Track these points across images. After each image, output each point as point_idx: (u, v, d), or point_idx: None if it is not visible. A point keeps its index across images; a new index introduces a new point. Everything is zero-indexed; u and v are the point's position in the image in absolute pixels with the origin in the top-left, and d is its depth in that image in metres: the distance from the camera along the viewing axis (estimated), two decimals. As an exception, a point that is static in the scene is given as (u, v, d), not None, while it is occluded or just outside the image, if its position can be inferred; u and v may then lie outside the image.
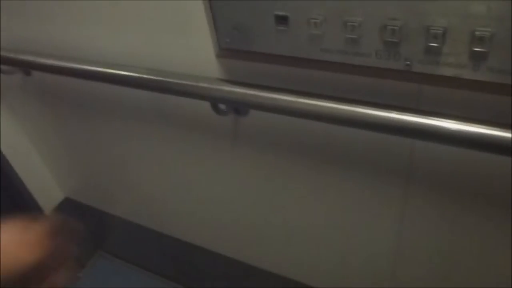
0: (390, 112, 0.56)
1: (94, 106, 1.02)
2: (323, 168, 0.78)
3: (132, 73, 0.75)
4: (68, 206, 1.46)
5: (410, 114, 0.55)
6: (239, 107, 0.74)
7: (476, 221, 0.69)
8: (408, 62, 0.53)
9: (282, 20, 0.58)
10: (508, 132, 0.50)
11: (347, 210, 0.82)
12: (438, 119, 0.54)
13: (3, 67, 0.99)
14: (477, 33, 0.47)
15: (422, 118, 0.54)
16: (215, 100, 0.71)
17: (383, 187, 0.74)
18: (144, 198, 1.22)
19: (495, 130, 0.51)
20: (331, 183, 0.79)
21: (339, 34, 0.55)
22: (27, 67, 0.99)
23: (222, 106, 0.73)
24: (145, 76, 0.74)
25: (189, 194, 1.09)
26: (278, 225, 0.97)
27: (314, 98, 0.61)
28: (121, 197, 1.30)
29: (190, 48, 0.73)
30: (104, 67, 0.78)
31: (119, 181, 1.24)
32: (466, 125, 0.52)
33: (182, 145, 0.95)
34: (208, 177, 0.99)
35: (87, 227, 1.56)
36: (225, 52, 0.68)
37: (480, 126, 0.52)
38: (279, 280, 1.08)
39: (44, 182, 1.38)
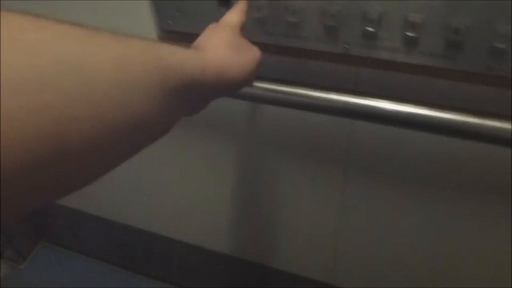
0: (329, 94, 0.58)
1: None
2: (263, 150, 0.80)
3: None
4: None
5: (348, 95, 0.57)
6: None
7: (413, 203, 0.74)
8: (347, 46, 0.55)
9: (224, 2, 0.58)
10: (439, 112, 0.54)
11: (288, 192, 0.84)
12: (374, 99, 0.56)
13: None
14: (409, 18, 0.50)
15: (360, 98, 0.57)
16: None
17: (323, 169, 0.77)
18: (89, 186, 1.19)
19: (427, 110, 0.55)
20: (272, 165, 0.81)
21: (281, 17, 0.56)
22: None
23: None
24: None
25: (135, 177, 1.07)
26: (227, 209, 0.98)
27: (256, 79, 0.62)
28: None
29: (130, 29, 0.71)
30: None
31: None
32: (401, 105, 0.55)
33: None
34: (155, 160, 0.98)
35: (27, 218, 1.50)
36: (167, 34, 0.67)
37: (414, 106, 0.55)
38: (229, 260, 1.10)
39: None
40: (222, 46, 0.40)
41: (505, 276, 0.74)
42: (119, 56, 0.26)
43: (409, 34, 0.51)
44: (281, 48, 0.59)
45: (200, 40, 0.42)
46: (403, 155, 0.69)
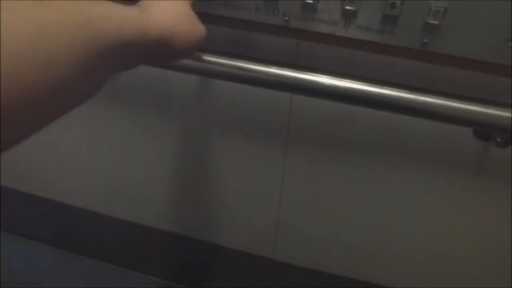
0: (269, 67, 0.57)
1: None
2: (204, 124, 0.78)
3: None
4: None
5: (288, 69, 0.57)
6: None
7: (353, 176, 0.75)
8: (286, 18, 0.54)
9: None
10: (375, 87, 0.55)
11: (229, 167, 0.83)
12: (314, 74, 0.56)
13: None
14: (348, -9, 0.50)
15: (300, 73, 0.57)
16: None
17: (264, 143, 0.76)
18: (24, 163, 1.12)
19: (364, 85, 0.55)
20: (213, 139, 0.80)
21: (219, -14, 0.54)
22: None
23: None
24: None
25: (73, 153, 1.02)
26: (168, 185, 0.96)
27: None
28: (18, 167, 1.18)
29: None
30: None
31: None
32: (339, 81, 0.56)
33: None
34: (93, 135, 0.93)
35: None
36: None
37: (352, 81, 0.56)
38: (170, 236, 1.08)
39: None
40: (169, 11, 0.38)
41: (441, 245, 0.79)
42: (38, 24, 0.25)
43: (348, 7, 0.51)
44: (218, 17, 0.57)
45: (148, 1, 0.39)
46: (343, 128, 0.70)
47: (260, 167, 0.81)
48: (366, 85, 0.55)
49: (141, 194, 1.00)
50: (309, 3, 0.51)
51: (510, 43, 0.48)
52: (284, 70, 0.57)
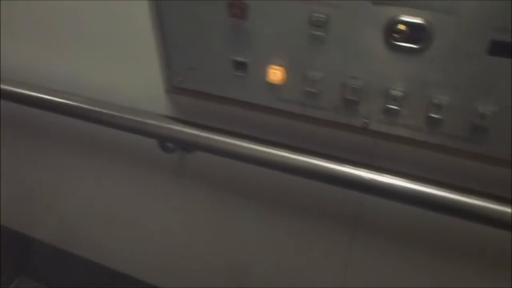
0: (343, 166, 0.56)
1: (30, 125, 0.94)
2: (271, 210, 0.77)
3: (73, 103, 0.69)
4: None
5: (364, 170, 0.55)
6: (187, 147, 0.71)
7: (416, 272, 0.71)
8: (366, 120, 0.53)
9: (240, 66, 0.56)
10: (454, 194, 0.52)
11: (295, 251, 0.81)
12: (391, 176, 0.54)
13: None
14: (434, 100, 0.48)
15: (376, 174, 0.55)
16: (162, 139, 0.67)
17: (330, 232, 0.74)
18: (70, 224, 1.14)
19: (443, 191, 0.53)
20: (280, 224, 0.78)
21: (299, 86, 0.54)
22: None
23: (170, 145, 0.69)
24: (88, 107, 0.68)
25: (122, 224, 1.03)
26: (221, 264, 0.94)
27: (265, 145, 0.60)
28: (46, 221, 1.21)
29: (138, 79, 0.69)
30: (40, 93, 0.72)
31: (46, 206, 1.15)
32: (416, 185, 0.53)
33: (119, 176, 0.90)
34: (146, 210, 0.94)
35: (8, 251, 1.44)
36: (176, 89, 0.64)
37: (429, 186, 0.53)
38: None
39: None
40: None
41: None
42: None
43: (433, 115, 0.49)
44: (295, 115, 0.57)
45: None
46: (410, 227, 0.67)
47: (326, 253, 0.78)
48: (451, 193, 0.52)
49: (185, 269, 0.99)
50: (392, 108, 0.50)
51: None
52: (359, 170, 0.55)
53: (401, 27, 0.45)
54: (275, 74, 0.54)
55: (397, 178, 0.54)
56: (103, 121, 0.67)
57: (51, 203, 1.13)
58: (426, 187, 0.53)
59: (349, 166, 0.56)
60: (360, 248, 0.73)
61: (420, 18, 0.45)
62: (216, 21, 0.54)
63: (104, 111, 0.67)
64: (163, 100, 0.69)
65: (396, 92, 0.49)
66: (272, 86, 0.55)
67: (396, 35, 0.46)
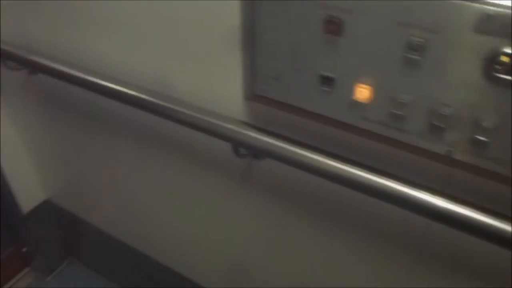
0: (417, 191, 0.55)
1: (99, 119, 0.98)
2: (331, 224, 0.77)
3: (153, 99, 0.73)
4: (46, 209, 1.40)
5: (439, 197, 0.54)
6: (261, 155, 0.72)
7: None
8: (451, 149, 0.52)
9: (327, 81, 0.57)
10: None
11: (354, 271, 0.80)
12: (471, 209, 0.53)
13: (10, 63, 0.95)
14: (529, 135, 0.47)
15: (454, 205, 0.54)
16: (238, 144, 0.69)
17: (390, 254, 0.73)
18: (127, 213, 1.18)
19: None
20: (338, 240, 0.78)
21: (385, 107, 0.54)
22: (32, 68, 0.95)
23: (242, 150, 0.71)
24: (168, 105, 0.71)
25: (178, 220, 1.06)
26: (276, 273, 0.94)
27: (339, 161, 0.60)
28: (102, 207, 1.26)
29: (218, 83, 0.71)
30: (124, 87, 0.76)
31: (104, 193, 1.20)
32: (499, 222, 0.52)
33: (185, 173, 0.93)
34: (204, 210, 0.96)
35: (62, 232, 1.50)
36: (256, 97, 0.66)
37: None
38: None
39: (27, 181, 1.32)
40: None
41: None
42: None
43: (526, 152, 0.48)
44: (376, 135, 0.57)
45: None
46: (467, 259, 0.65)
47: (384, 275, 0.76)
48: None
49: (237, 274, 1.00)
50: (482, 140, 0.49)
51: None
52: (435, 198, 0.55)
53: (504, 59, 0.45)
54: (362, 92, 0.54)
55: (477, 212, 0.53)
56: (184, 121, 0.70)
57: (112, 192, 1.17)
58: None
59: (424, 192, 0.55)
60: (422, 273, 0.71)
61: (526, 52, 0.44)
62: (310, 35, 0.55)
63: (186, 111, 0.69)
64: (240, 106, 0.71)
65: (488, 124, 0.49)
66: (357, 104, 0.56)
67: (497, 67, 0.45)
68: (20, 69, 0.99)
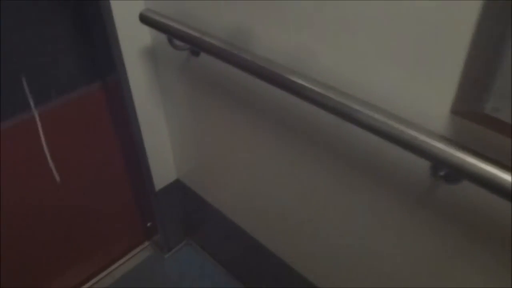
0: None
1: (247, 106, 0.94)
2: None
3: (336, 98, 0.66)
4: (176, 188, 1.43)
5: None
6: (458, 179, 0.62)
7: None
8: None
9: None
10: None
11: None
12: None
13: (178, 42, 0.94)
14: None
15: None
16: (441, 163, 0.59)
17: None
18: (254, 204, 1.15)
19: None
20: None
21: None
22: (200, 48, 0.92)
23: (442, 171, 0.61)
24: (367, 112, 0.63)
25: (313, 223, 0.99)
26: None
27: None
28: (229, 193, 1.24)
29: (424, 92, 0.62)
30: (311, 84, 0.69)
31: (234, 180, 1.17)
32: None
33: (328, 174, 0.85)
34: (360, 225, 0.88)
35: (185, 213, 1.53)
36: (473, 115, 0.56)
37: None
38: None
39: (164, 160, 1.35)
40: None
41: None
42: None
43: None
44: None
45: None
46: None
47: None
48: None
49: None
50: None
51: None
52: None
53: None
54: None
55: None
56: (372, 127, 0.62)
57: (242, 180, 1.14)
58: None
59: None
60: None
61: None
62: None
63: (378, 117, 0.61)
64: (442, 120, 0.61)
65: None
66: None
67: None
68: (186, 49, 0.98)
